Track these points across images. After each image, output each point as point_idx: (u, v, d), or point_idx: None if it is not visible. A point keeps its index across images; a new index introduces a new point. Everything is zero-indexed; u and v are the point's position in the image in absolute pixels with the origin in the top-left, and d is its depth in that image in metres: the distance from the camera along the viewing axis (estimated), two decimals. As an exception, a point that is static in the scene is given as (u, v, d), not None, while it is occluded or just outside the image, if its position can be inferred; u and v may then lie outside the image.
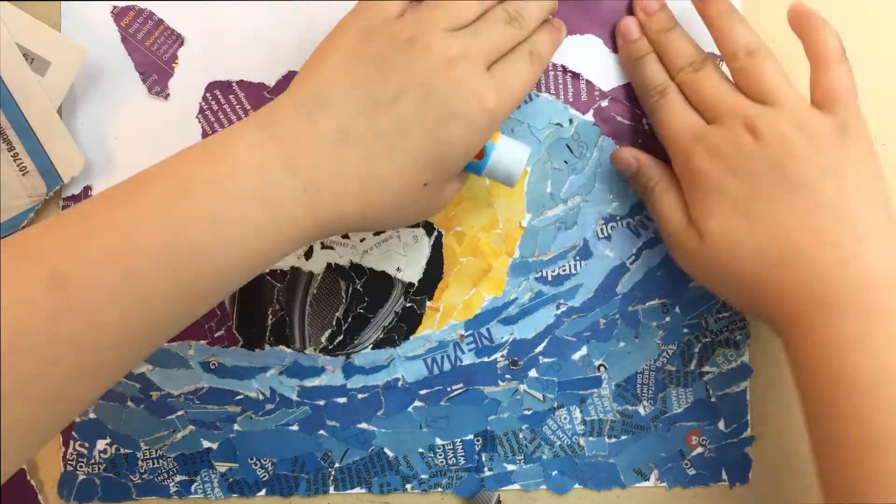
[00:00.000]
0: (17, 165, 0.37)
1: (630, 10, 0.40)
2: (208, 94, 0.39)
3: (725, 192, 0.35)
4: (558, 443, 0.41)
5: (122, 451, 0.39)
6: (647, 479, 0.41)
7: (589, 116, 0.40)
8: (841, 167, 0.34)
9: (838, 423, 0.32)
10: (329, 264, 0.40)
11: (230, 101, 0.39)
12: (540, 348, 0.41)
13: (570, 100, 0.40)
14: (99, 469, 0.39)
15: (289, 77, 0.39)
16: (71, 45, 0.37)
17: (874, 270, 0.32)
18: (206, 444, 0.40)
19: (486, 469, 0.41)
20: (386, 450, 0.40)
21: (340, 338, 0.40)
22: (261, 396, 0.40)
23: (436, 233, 0.40)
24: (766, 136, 0.34)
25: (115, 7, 0.39)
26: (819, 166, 0.33)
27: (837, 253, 0.33)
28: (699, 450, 0.41)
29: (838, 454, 0.32)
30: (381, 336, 0.40)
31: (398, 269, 0.40)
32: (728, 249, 0.35)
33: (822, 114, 0.34)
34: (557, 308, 0.41)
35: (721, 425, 0.41)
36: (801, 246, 0.33)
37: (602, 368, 0.41)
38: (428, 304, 0.40)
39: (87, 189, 0.39)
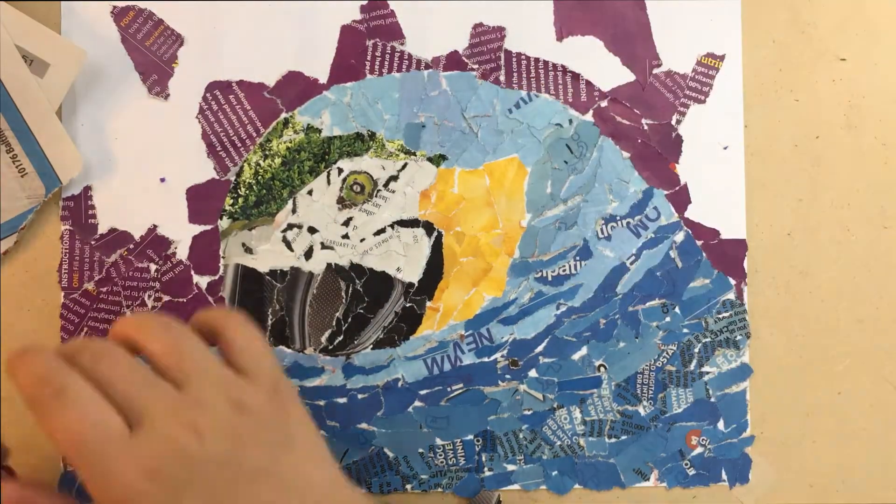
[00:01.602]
0: (16, 167, 0.37)
1: (633, 11, 0.40)
2: (208, 94, 0.39)
3: None
4: (558, 443, 0.41)
5: (121, 451, 0.39)
6: (647, 479, 0.41)
7: (588, 116, 0.40)
8: (288, 439, 0.29)
9: None
10: (329, 264, 0.40)
11: (230, 101, 0.39)
12: (540, 348, 0.41)
13: (570, 100, 0.40)
14: (99, 469, 0.39)
15: (289, 77, 0.39)
16: (70, 47, 0.37)
17: None
18: (206, 444, 0.40)
19: (486, 469, 0.41)
20: (386, 450, 0.40)
21: (340, 338, 0.40)
22: (261, 396, 0.40)
23: (436, 233, 0.40)
24: (208, 432, 0.27)
25: (115, 7, 0.39)
26: (270, 444, 0.29)
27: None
28: (699, 450, 0.41)
29: None
30: (381, 336, 0.40)
31: (398, 269, 0.40)
32: None
33: (251, 382, 0.29)
34: (557, 308, 0.41)
35: (721, 425, 0.41)
36: None
37: (602, 368, 0.41)
38: (428, 304, 0.40)
39: (87, 189, 0.39)
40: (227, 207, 0.39)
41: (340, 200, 0.40)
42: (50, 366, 0.27)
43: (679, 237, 0.41)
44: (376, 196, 0.40)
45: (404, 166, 0.40)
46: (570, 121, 0.40)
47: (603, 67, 0.40)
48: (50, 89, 0.37)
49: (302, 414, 0.31)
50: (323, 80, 0.39)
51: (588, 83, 0.40)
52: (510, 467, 0.41)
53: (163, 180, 0.39)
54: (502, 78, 0.40)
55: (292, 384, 0.32)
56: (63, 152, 0.37)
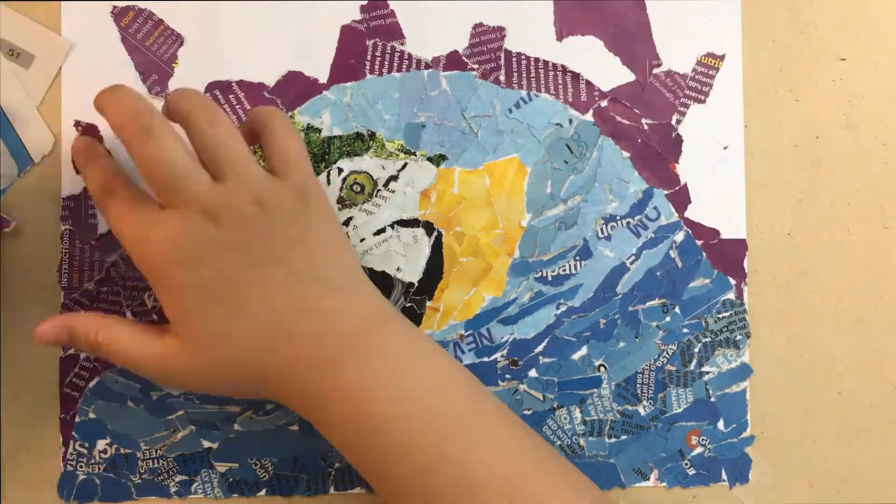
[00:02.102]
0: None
1: (633, 11, 0.40)
2: (208, 94, 0.39)
3: (197, 285, 0.31)
4: (558, 443, 0.41)
5: (122, 451, 0.39)
6: (647, 479, 0.41)
7: (589, 116, 0.40)
8: (305, 233, 0.33)
9: (384, 466, 0.33)
10: (329, 264, 0.40)
11: (230, 101, 0.39)
12: (540, 348, 0.41)
13: (570, 100, 0.40)
14: (99, 469, 0.39)
15: (289, 77, 0.39)
16: (54, 38, 0.37)
17: (358, 321, 0.33)
18: (206, 444, 0.40)
19: (486, 469, 0.41)
20: (386, 450, 0.40)
21: (340, 338, 0.40)
22: (261, 396, 0.40)
23: (436, 233, 0.40)
24: (226, 220, 0.31)
25: (115, 7, 0.39)
26: (286, 237, 0.32)
27: (319, 314, 0.33)
28: (699, 450, 0.41)
29: (393, 488, 0.33)
30: (381, 336, 0.40)
31: (398, 269, 0.40)
32: (216, 344, 0.32)
33: (280, 181, 0.33)
34: (557, 308, 0.41)
35: (721, 425, 0.41)
36: (287, 317, 0.32)
37: (602, 368, 0.41)
38: (428, 304, 0.40)
39: (87, 190, 0.39)
40: (227, 207, 0.39)
41: (340, 200, 0.40)
42: (140, 105, 0.32)
43: (679, 237, 0.41)
44: (376, 196, 0.40)
45: (404, 166, 0.40)
46: (570, 121, 0.40)
47: (603, 67, 0.40)
48: (36, 80, 0.37)
49: (326, 215, 0.34)
50: (323, 80, 0.40)
51: (588, 83, 0.40)
52: (510, 467, 0.41)
53: (163, 180, 0.39)
54: (502, 78, 0.40)
55: (324, 191, 0.35)
56: (34, 131, 0.37)
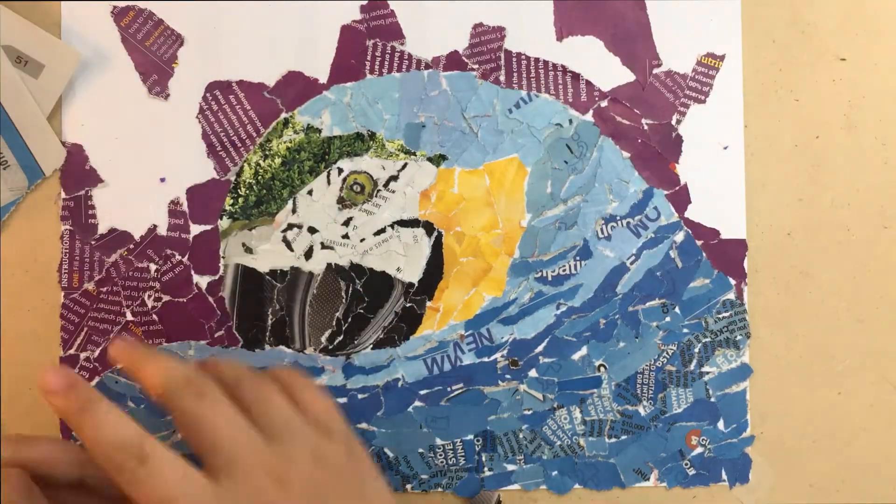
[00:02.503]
0: (-1, 159, 0.37)
1: (633, 11, 0.40)
2: (208, 94, 0.39)
3: None
4: (558, 443, 0.41)
5: (122, 451, 0.39)
6: (647, 479, 0.41)
7: (588, 116, 0.40)
8: (362, 490, 0.32)
9: None
10: (329, 264, 0.40)
11: (230, 101, 0.39)
12: (540, 348, 0.41)
13: (570, 100, 0.40)
14: (99, 469, 0.39)
15: (289, 77, 0.39)
16: (65, 48, 0.37)
17: None
18: (206, 444, 0.40)
19: (486, 469, 0.41)
20: (386, 450, 0.40)
21: (340, 338, 0.40)
22: (261, 396, 0.40)
23: (436, 233, 0.40)
24: (295, 483, 0.29)
25: (115, 7, 0.39)
26: (348, 497, 0.31)
27: None
28: (699, 450, 0.41)
29: None
30: (381, 336, 0.40)
31: (398, 269, 0.40)
32: None
33: (330, 439, 0.32)
34: (557, 308, 0.41)
35: (721, 425, 0.41)
36: None
37: (602, 368, 0.41)
38: (428, 304, 0.40)
39: (87, 189, 0.39)
40: (227, 207, 0.39)
41: (340, 200, 0.40)
42: (187, 370, 0.29)
43: (679, 237, 0.41)
44: (376, 196, 0.40)
45: (404, 166, 0.40)
46: (570, 121, 0.40)
47: (603, 67, 0.40)
48: (44, 89, 0.37)
49: (374, 469, 0.32)
50: (323, 80, 0.40)
51: (588, 83, 0.40)
52: (510, 467, 0.41)
53: (163, 180, 0.39)
54: (502, 78, 0.40)
55: (360, 444, 0.33)
56: (46, 144, 0.37)
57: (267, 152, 0.39)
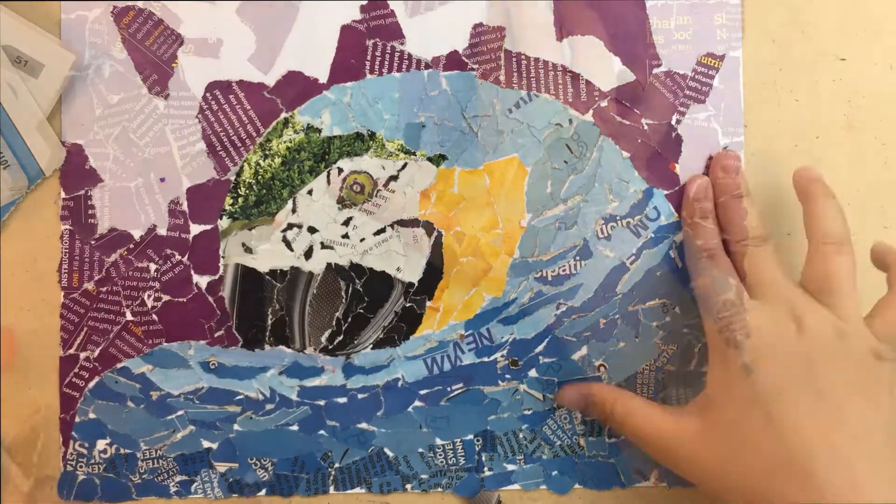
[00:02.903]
0: (-1, 159, 0.37)
1: (633, 11, 0.40)
2: (208, 94, 0.39)
3: (751, 378, 0.33)
4: (558, 443, 0.41)
5: (122, 451, 0.39)
6: (647, 479, 0.41)
7: (588, 116, 0.40)
8: (869, 388, 0.32)
9: None
10: (329, 264, 0.40)
11: (230, 101, 0.39)
12: (540, 348, 0.41)
13: (570, 100, 0.40)
14: (99, 469, 0.39)
15: (289, 77, 0.39)
16: (64, 49, 0.37)
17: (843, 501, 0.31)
18: (206, 444, 0.40)
19: (486, 469, 0.41)
20: (386, 450, 0.40)
21: (340, 338, 0.40)
22: (261, 396, 0.40)
23: (436, 233, 0.40)
24: (810, 331, 0.33)
25: (115, 7, 0.39)
26: (848, 381, 0.32)
27: (851, 476, 0.31)
28: (699, 450, 0.41)
29: None
30: (381, 336, 0.40)
31: (398, 269, 0.40)
32: (733, 445, 0.33)
33: (867, 330, 0.34)
34: (557, 308, 0.41)
35: (721, 425, 0.41)
36: (815, 463, 0.31)
37: (602, 368, 0.41)
38: (428, 304, 0.40)
39: (87, 189, 0.39)
40: (227, 207, 0.39)
41: (340, 200, 0.40)
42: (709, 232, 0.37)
43: (679, 237, 0.41)
44: (376, 196, 0.40)
45: (404, 166, 0.40)
46: (570, 121, 0.40)
47: (603, 67, 0.40)
48: (44, 89, 0.37)
49: (892, 384, 0.33)
50: (323, 80, 0.40)
51: (588, 83, 0.40)
52: (510, 467, 0.41)
53: (163, 180, 0.39)
54: (502, 78, 0.40)
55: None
56: (46, 144, 0.37)
57: (267, 152, 0.39)
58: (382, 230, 0.40)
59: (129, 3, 0.39)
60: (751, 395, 0.33)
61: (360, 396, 0.40)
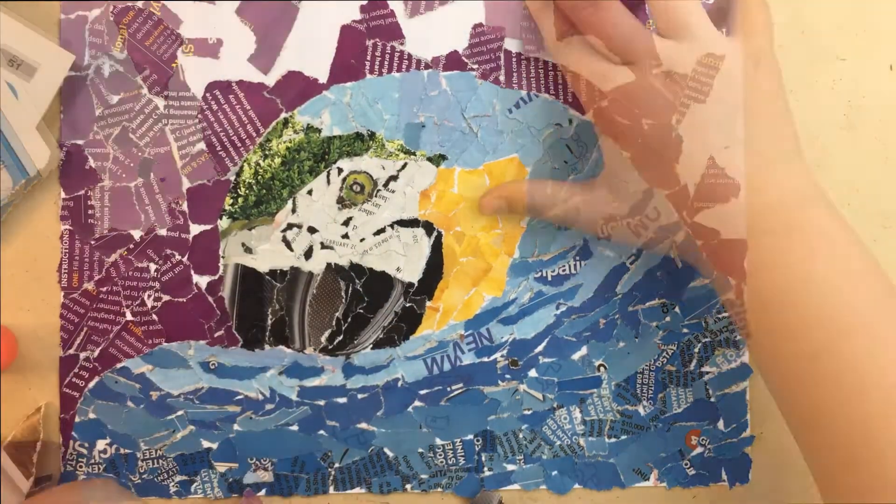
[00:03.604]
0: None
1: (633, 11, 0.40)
2: (208, 94, 0.39)
3: (638, 132, 0.35)
4: (558, 443, 0.41)
5: (121, 451, 0.39)
6: (647, 479, 0.41)
7: (588, 116, 0.40)
8: (751, 104, 0.34)
9: (775, 342, 0.34)
10: (329, 264, 0.40)
11: (230, 101, 0.39)
12: (540, 348, 0.41)
13: (570, 100, 0.40)
14: (99, 469, 0.39)
15: (289, 77, 0.39)
16: (58, 51, 0.37)
17: (784, 195, 0.34)
18: (206, 444, 0.40)
19: (486, 469, 0.41)
20: (386, 450, 0.40)
21: (340, 338, 0.40)
22: (261, 396, 0.40)
23: (436, 233, 0.40)
24: (677, 77, 0.34)
25: (114, 7, 0.39)
26: (729, 103, 0.34)
27: (748, 183, 0.33)
28: (699, 450, 0.41)
29: (780, 369, 0.34)
30: (380, 336, 0.40)
31: (398, 269, 0.40)
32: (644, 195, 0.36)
33: (734, 45, 0.34)
34: (557, 308, 0.41)
35: (721, 425, 0.41)
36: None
37: (602, 368, 0.41)
38: (428, 304, 0.40)
39: (87, 189, 0.39)
40: (227, 207, 0.39)
41: (340, 200, 0.40)
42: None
43: (679, 237, 0.41)
44: (376, 196, 0.40)
45: (404, 166, 0.40)
46: (570, 121, 0.40)
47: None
48: (38, 92, 0.37)
49: (774, 92, 0.35)
50: (323, 80, 0.39)
51: (588, 83, 0.40)
52: (510, 467, 0.41)
53: (163, 180, 0.39)
54: (502, 78, 0.40)
55: (777, 65, 0.36)
56: (35, 144, 0.37)
57: (267, 152, 0.39)
58: (382, 230, 0.40)
59: (129, 3, 0.39)
60: (644, 145, 0.35)
61: (359, 396, 0.40)
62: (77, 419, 0.39)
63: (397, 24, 0.40)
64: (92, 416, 0.39)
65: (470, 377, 0.40)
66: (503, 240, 0.40)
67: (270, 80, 0.39)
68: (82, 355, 0.39)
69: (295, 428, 0.40)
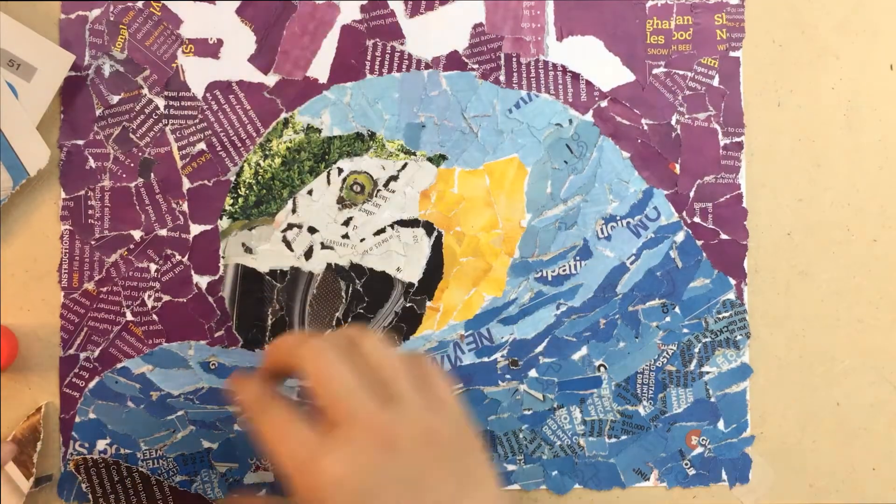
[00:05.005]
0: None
1: (633, 11, 0.40)
2: (208, 94, 0.39)
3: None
4: (558, 443, 0.41)
5: (122, 451, 0.39)
6: (647, 479, 0.41)
7: (588, 116, 0.40)
8: (470, 479, 0.30)
9: None
10: (329, 264, 0.40)
11: (230, 101, 0.39)
12: (540, 348, 0.41)
13: (570, 100, 0.40)
14: (99, 469, 0.39)
15: (289, 77, 0.39)
16: (58, 51, 0.37)
17: None
18: (206, 444, 0.40)
19: (486, 469, 0.41)
20: (386, 450, 0.40)
21: (340, 338, 0.40)
22: (261, 396, 0.40)
23: (436, 233, 0.40)
24: (403, 450, 0.29)
25: (114, 7, 0.39)
26: (454, 478, 0.30)
27: None
28: (699, 450, 0.41)
29: None
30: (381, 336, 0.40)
31: (398, 269, 0.40)
32: None
33: (443, 414, 0.31)
34: (557, 308, 0.41)
35: (721, 425, 0.41)
36: None
37: (602, 368, 0.41)
38: (428, 304, 0.40)
39: (87, 189, 0.39)
40: (227, 207, 0.39)
41: (340, 200, 0.40)
42: (258, 390, 0.32)
43: (679, 237, 0.41)
44: (376, 196, 0.40)
45: (404, 166, 0.40)
46: (570, 121, 0.40)
47: (603, 67, 0.40)
48: (37, 92, 0.37)
49: (481, 452, 0.31)
50: (323, 80, 0.40)
51: (588, 83, 0.40)
52: (510, 467, 0.41)
53: (163, 180, 0.39)
54: (502, 78, 0.40)
55: (472, 430, 0.32)
56: (30, 144, 0.37)
57: (267, 152, 0.39)
58: (382, 230, 0.40)
59: (129, 3, 0.39)
60: None
61: (360, 396, 0.40)
62: (77, 419, 0.39)
63: (397, 24, 0.40)
64: (92, 416, 0.39)
65: (470, 377, 0.40)
66: (503, 240, 0.40)
67: (270, 80, 0.39)
68: (82, 355, 0.39)
69: (295, 428, 0.40)
